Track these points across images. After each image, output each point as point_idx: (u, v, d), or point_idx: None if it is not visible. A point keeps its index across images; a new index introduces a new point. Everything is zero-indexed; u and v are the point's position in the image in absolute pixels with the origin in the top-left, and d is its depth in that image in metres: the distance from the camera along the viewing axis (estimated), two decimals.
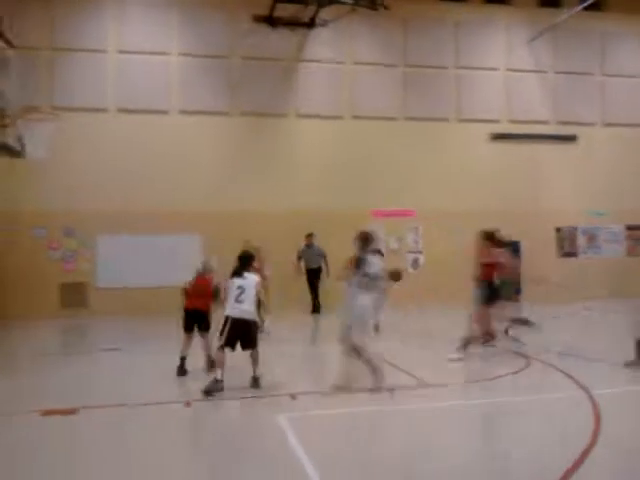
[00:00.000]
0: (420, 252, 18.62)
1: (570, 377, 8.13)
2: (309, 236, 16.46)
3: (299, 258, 16.28)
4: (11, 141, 9.70)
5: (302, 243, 16.48)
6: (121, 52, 17.04)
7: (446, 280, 17.23)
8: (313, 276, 16.33)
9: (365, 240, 8.01)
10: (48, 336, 13.45)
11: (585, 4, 17.69)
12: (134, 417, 6.77)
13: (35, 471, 5.15)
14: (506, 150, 19.19)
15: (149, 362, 9.73)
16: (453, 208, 18.37)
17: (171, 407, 7.07)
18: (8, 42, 10.12)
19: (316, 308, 16.32)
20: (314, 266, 16.23)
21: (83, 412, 6.75)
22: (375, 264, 7.89)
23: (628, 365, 8.65)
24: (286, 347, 11.00)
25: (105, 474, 5.10)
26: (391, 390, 7.49)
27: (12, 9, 11.32)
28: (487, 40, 19.61)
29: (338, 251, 16.89)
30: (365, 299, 7.63)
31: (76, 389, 8.01)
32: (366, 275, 7.67)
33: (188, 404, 7.11)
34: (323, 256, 16.11)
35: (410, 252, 18.53)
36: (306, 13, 17.56)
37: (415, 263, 18.50)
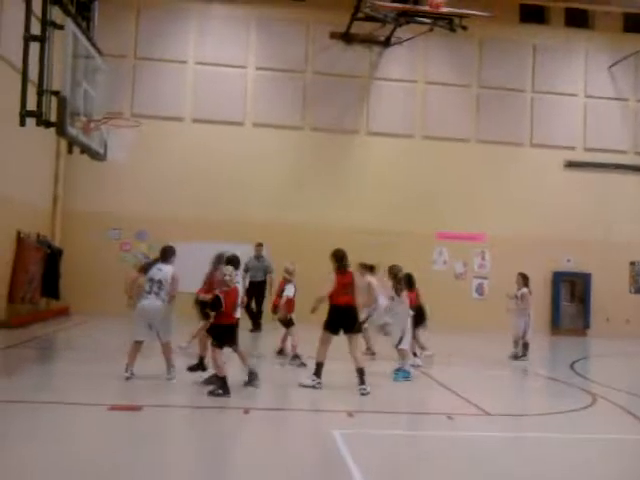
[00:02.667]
0: (486, 278, 18.27)
1: (637, 417, 7.78)
2: (259, 246, 14.86)
3: (246, 270, 13.77)
4: (95, 144, 10.12)
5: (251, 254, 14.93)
6: (200, 64, 17.61)
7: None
8: (256, 290, 14.43)
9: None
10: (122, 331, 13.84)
11: None
12: (193, 419, 6.89)
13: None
14: (580, 178, 18.66)
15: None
16: (522, 234, 17.99)
17: (231, 412, 7.14)
18: (97, 50, 10.57)
19: (256, 325, 14.62)
20: (258, 279, 14.54)
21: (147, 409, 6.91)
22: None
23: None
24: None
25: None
26: (450, 416, 7.36)
27: (101, 18, 11.82)
28: (566, 64, 19.19)
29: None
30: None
31: (143, 386, 8.19)
32: None
33: (246, 412, 7.17)
34: (269, 271, 14.51)
35: (476, 277, 18.21)
36: (382, 31, 17.65)
37: (480, 288, 18.13)
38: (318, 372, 8.46)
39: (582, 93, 19.17)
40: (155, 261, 8.56)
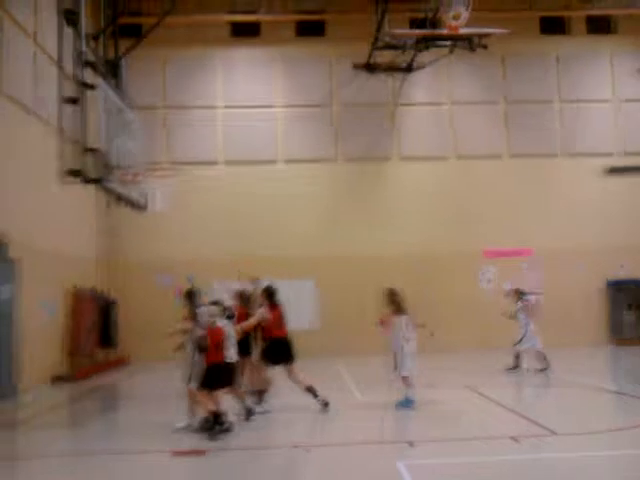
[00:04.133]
0: (536, 293, 17.82)
1: None
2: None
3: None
4: (135, 196, 10.34)
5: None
6: (229, 107, 17.96)
7: (568, 320, 16.61)
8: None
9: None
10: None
11: None
12: (251, 460, 6.81)
13: None
14: (623, 183, 18.19)
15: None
16: (569, 245, 17.66)
17: (292, 451, 7.03)
18: (129, 104, 10.87)
19: None
20: None
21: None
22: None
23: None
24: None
25: None
26: (516, 438, 7.11)
27: (130, 73, 12.23)
28: (592, 71, 19.00)
29: (443, 292, 16.82)
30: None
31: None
32: None
33: (308, 450, 7.04)
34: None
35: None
36: (404, 57, 17.74)
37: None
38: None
39: (612, 98, 18.88)
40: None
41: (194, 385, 7.77)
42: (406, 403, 8.96)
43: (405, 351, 9.00)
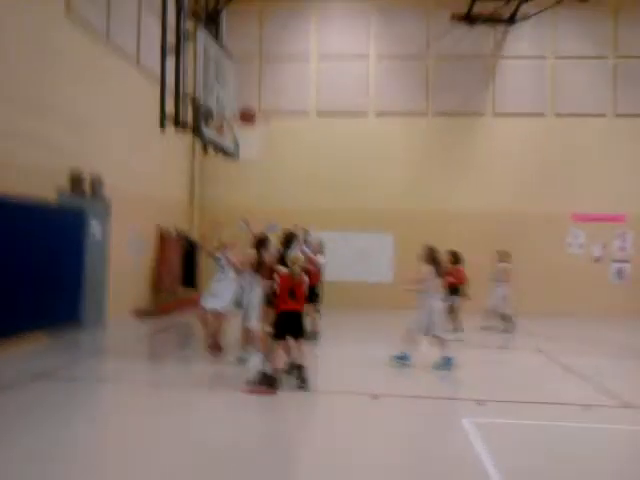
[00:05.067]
0: (627, 261, 17.16)
1: None
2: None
3: None
4: (227, 144, 10.72)
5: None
6: (322, 57, 17.93)
7: None
8: None
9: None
10: None
11: None
12: (323, 403, 7.18)
13: None
14: None
15: (341, 352, 10.17)
16: None
17: (359, 398, 7.35)
18: (227, 54, 11.16)
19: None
20: None
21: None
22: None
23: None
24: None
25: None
26: (586, 406, 7.12)
27: (229, 24, 12.48)
28: None
29: (526, 254, 16.50)
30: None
31: None
32: None
33: (375, 397, 7.34)
34: None
35: (615, 261, 17.15)
36: (506, 8, 17.02)
37: (620, 273, 17.07)
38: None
39: None
40: None
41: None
42: (446, 363, 8.98)
43: (437, 310, 9.05)
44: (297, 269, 7.69)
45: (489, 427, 6.33)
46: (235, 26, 15.90)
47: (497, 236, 16.51)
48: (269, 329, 7.91)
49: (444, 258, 10.98)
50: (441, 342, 9.06)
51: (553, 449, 5.79)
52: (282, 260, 8.35)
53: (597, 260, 17.07)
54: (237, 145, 11.10)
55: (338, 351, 10.42)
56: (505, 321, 12.97)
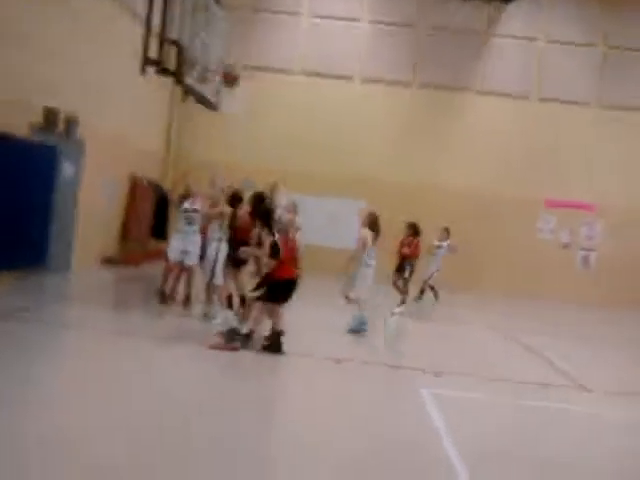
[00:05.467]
0: (593, 250, 17.47)
1: None
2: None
3: None
4: (209, 94, 10.46)
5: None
6: (314, 16, 17.57)
7: (619, 281, 16.37)
8: None
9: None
10: None
11: None
12: (290, 365, 7.21)
13: None
14: None
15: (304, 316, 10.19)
16: (636, 206, 17.03)
17: (323, 362, 7.39)
18: (216, 1, 10.82)
19: None
20: None
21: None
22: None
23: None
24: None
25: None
26: (546, 385, 7.29)
27: None
28: None
29: (497, 233, 16.70)
30: None
31: None
32: None
33: (338, 361, 7.39)
34: None
35: (582, 249, 17.44)
36: None
37: (586, 261, 17.39)
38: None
39: None
40: None
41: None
42: (358, 326, 9.11)
43: (360, 274, 9.18)
44: (294, 232, 7.66)
45: (446, 399, 6.43)
46: None
47: (471, 214, 16.65)
48: (259, 291, 7.60)
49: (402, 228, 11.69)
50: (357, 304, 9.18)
51: (507, 424, 5.92)
52: (253, 218, 8.21)
53: (565, 246, 17.32)
54: (220, 97, 10.85)
55: (303, 316, 10.43)
56: (432, 292, 13.14)
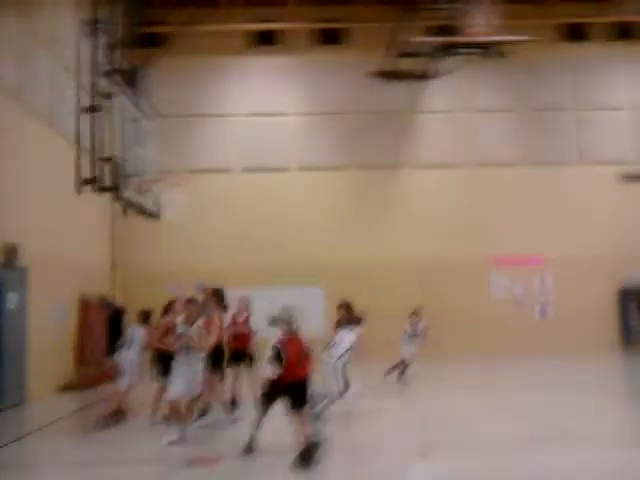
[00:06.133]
0: (548, 301, 17.78)
1: None
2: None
3: None
4: (149, 205, 10.48)
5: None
6: (243, 115, 18.13)
7: (577, 328, 16.64)
8: None
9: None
10: None
11: None
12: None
13: None
14: (636, 191, 18.02)
15: None
16: (581, 254, 17.54)
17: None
18: (145, 113, 11.03)
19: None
20: None
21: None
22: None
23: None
24: None
25: None
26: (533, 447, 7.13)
27: (147, 81, 12.40)
28: (607, 78, 18.86)
29: (454, 299, 16.88)
30: None
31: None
32: None
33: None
34: None
35: (538, 301, 17.75)
36: (421, 66, 17.71)
37: (543, 312, 17.67)
38: None
39: (627, 105, 18.72)
40: None
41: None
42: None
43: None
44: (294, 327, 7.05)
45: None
46: (155, 83, 15.86)
47: (425, 285, 16.82)
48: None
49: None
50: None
51: None
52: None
53: (520, 301, 17.56)
54: (159, 206, 10.86)
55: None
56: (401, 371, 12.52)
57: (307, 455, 6.60)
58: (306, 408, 6.89)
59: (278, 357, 6.81)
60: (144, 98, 11.88)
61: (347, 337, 9.25)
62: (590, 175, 18.20)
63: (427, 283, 17.00)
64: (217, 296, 8.88)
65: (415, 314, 12.73)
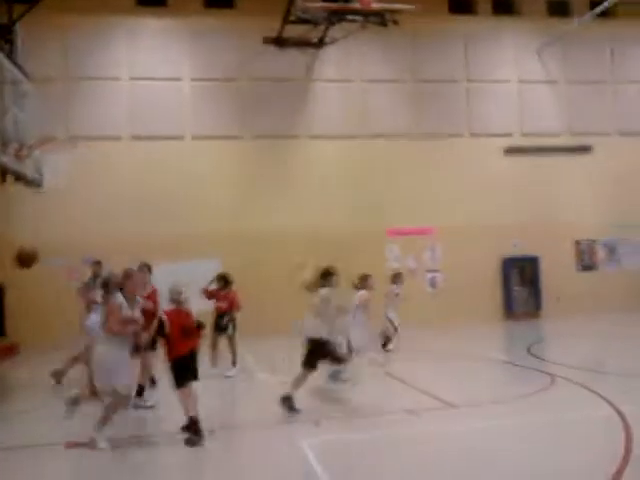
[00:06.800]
0: (438, 271, 18.43)
1: (596, 394, 7.98)
2: (95, 264, 11.01)
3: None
4: (29, 172, 9.79)
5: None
6: (134, 79, 17.26)
7: (466, 297, 17.36)
8: None
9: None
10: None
11: (595, 11, 17.52)
12: (167, 452, 6.74)
13: None
14: (521, 163, 19.01)
15: None
16: (470, 224, 18.23)
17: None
18: (25, 74, 10.25)
19: None
20: None
21: None
22: None
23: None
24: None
25: None
26: (416, 413, 7.41)
27: (27, 41, 11.50)
28: (496, 52, 19.55)
29: (352, 270, 17.04)
30: None
31: None
32: None
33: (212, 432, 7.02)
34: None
35: (428, 271, 18.36)
36: (315, 33, 17.58)
37: (433, 282, 18.31)
38: None
39: (514, 79, 19.51)
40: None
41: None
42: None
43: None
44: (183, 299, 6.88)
45: (327, 446, 6.32)
46: (35, 43, 14.71)
47: (319, 254, 16.80)
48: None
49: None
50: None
51: (387, 459, 5.90)
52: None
53: (412, 271, 18.06)
54: (42, 173, 10.19)
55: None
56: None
57: (191, 431, 6.59)
58: (190, 385, 6.73)
59: (161, 330, 6.70)
60: (23, 57, 11.04)
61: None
62: (479, 147, 18.91)
63: (325, 254, 17.02)
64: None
65: (398, 276, 13.00)
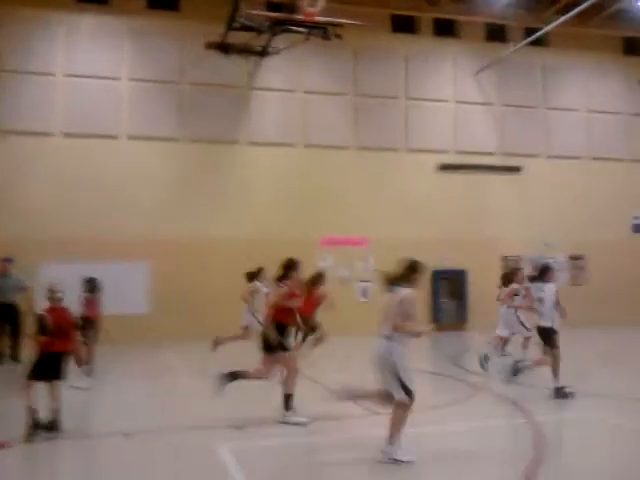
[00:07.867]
0: (370, 281, 18.62)
1: (514, 404, 8.27)
2: (5, 261, 12.63)
3: None
4: None
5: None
6: (69, 75, 16.86)
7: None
8: (6, 313, 12.59)
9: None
10: None
11: (529, 39, 18.44)
12: (75, 449, 6.57)
13: None
14: (453, 180, 19.56)
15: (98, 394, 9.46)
16: (403, 237, 18.49)
17: (110, 439, 6.86)
18: None
19: (14, 356, 12.48)
20: (8, 301, 12.59)
21: None
22: None
23: None
24: None
25: None
26: (339, 419, 7.50)
27: None
28: (436, 72, 20.09)
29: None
30: None
31: None
32: None
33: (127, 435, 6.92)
34: (22, 288, 12.60)
35: (361, 281, 18.56)
36: (259, 41, 17.61)
37: (365, 292, 18.52)
38: None
39: (451, 99, 20.12)
40: None
41: None
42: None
43: None
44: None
45: (246, 450, 6.32)
46: None
47: (251, 262, 16.77)
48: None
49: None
50: None
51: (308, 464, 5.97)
52: None
53: (343, 281, 18.17)
54: None
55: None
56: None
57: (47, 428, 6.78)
58: (57, 383, 6.98)
59: (42, 327, 6.93)
60: None
61: None
62: (414, 162, 19.33)
63: (259, 261, 16.97)
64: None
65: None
